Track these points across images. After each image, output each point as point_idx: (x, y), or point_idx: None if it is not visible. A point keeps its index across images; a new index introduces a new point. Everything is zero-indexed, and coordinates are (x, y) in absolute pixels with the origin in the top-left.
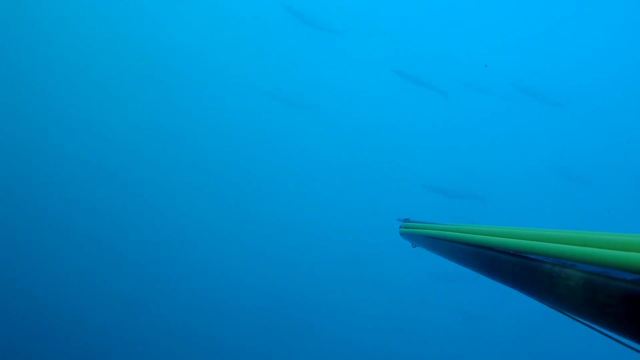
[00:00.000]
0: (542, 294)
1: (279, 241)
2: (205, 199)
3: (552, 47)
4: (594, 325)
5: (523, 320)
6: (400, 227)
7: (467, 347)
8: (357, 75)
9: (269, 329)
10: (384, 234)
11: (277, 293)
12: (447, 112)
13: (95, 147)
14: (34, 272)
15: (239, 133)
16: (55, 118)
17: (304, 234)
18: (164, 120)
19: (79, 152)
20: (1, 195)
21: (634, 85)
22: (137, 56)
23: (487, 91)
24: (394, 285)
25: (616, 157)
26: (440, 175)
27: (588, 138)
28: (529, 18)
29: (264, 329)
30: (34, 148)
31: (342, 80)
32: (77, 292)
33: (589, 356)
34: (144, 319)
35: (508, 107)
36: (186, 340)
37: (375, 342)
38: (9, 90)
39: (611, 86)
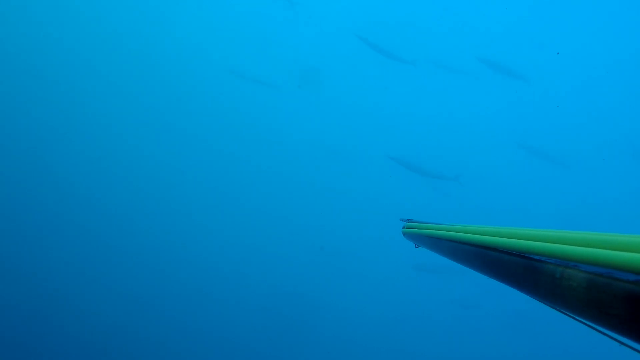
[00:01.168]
0: (545, 295)
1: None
2: (203, 196)
3: (528, 26)
4: (596, 326)
5: (515, 307)
6: (403, 227)
7: (464, 338)
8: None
9: (264, 324)
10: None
11: (272, 288)
12: (416, 86)
13: (95, 144)
14: (35, 270)
15: (203, 110)
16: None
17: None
18: (162, 114)
19: (65, 140)
20: (2, 194)
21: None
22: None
23: (456, 69)
24: (387, 278)
25: (585, 133)
26: (410, 151)
27: (558, 115)
28: None
29: (259, 323)
30: (33, 147)
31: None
32: (76, 289)
33: (582, 341)
34: (140, 316)
35: (474, 83)
36: (183, 335)
37: (371, 336)
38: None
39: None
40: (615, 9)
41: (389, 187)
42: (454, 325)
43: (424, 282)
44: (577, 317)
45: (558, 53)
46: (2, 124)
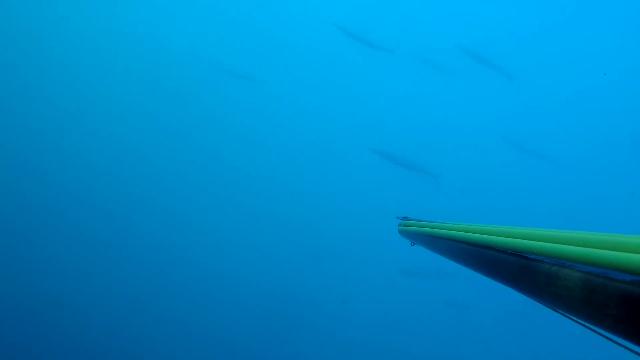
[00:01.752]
0: (540, 294)
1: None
2: (194, 194)
3: (520, 18)
4: (591, 326)
5: (508, 307)
6: (399, 225)
7: (459, 338)
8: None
9: (260, 324)
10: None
11: (269, 288)
12: (399, 79)
13: (87, 144)
14: (34, 270)
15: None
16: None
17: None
18: (151, 112)
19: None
20: (2, 193)
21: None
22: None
23: (439, 61)
24: (385, 277)
25: (570, 128)
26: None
27: (542, 109)
28: None
29: (255, 323)
30: (31, 147)
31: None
32: (75, 289)
33: (577, 339)
34: (138, 315)
35: (458, 76)
36: (182, 335)
37: (368, 337)
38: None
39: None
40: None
41: (376, 182)
42: (450, 325)
43: (421, 282)
44: (572, 317)
45: (605, 74)
46: (2, 124)
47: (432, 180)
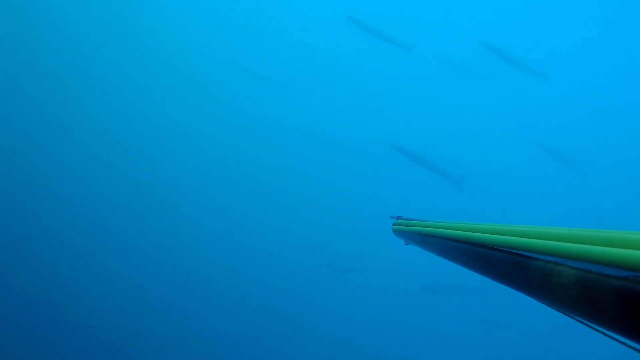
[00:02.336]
0: (535, 291)
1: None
2: (200, 194)
3: (536, 13)
4: (586, 322)
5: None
6: (394, 225)
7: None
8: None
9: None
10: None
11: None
12: (410, 72)
13: (98, 142)
14: (34, 269)
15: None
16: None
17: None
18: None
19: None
20: (2, 193)
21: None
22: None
23: (457, 60)
24: (386, 277)
25: (603, 136)
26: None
27: (575, 114)
28: None
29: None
30: (32, 146)
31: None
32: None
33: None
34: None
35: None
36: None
37: (368, 337)
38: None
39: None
40: None
41: (393, 180)
42: (448, 326)
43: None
44: (567, 313)
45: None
46: (2, 124)
47: (453, 185)
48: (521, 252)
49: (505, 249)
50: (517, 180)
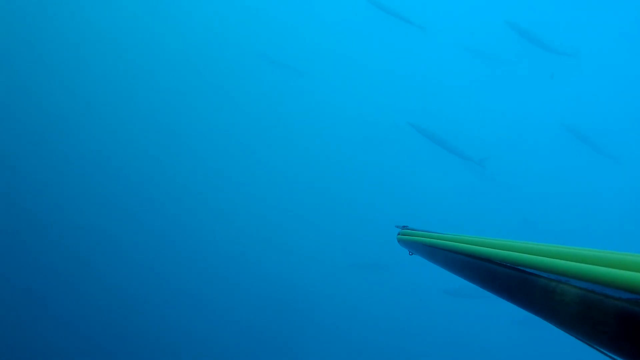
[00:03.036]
0: (538, 309)
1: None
2: (219, 186)
3: None
4: (587, 342)
5: None
6: (399, 234)
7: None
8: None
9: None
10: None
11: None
12: (427, 51)
13: (95, 143)
14: (33, 269)
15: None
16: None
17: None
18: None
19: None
20: (1, 193)
21: None
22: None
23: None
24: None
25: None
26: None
27: (607, 96)
28: None
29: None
30: (31, 146)
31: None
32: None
33: None
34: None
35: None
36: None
37: (373, 336)
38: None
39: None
40: None
41: (416, 164)
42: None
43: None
44: (569, 332)
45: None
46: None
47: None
48: (525, 269)
49: (509, 265)
50: (546, 166)
